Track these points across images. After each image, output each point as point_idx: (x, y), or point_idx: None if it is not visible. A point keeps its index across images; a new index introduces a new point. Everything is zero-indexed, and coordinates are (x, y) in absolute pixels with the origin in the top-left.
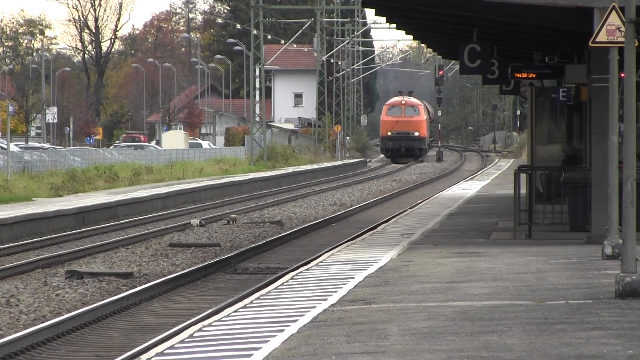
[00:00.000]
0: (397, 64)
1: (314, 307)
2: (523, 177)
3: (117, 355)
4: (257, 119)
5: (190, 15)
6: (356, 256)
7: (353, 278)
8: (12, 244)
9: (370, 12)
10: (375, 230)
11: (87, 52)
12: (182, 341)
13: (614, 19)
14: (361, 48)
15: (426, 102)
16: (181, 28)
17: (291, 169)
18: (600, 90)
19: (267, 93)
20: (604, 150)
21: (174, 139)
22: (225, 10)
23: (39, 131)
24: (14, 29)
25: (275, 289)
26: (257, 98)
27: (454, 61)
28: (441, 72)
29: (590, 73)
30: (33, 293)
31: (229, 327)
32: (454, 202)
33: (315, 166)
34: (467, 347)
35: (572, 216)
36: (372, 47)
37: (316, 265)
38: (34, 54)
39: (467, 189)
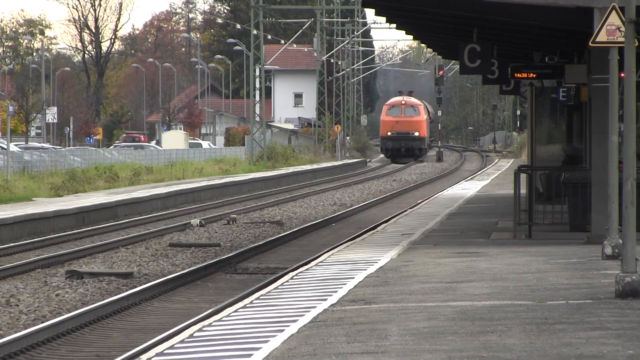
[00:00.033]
0: (397, 64)
1: (314, 307)
2: (523, 177)
3: (117, 355)
4: (257, 119)
5: (190, 15)
6: (356, 256)
7: (353, 278)
8: (12, 244)
9: (370, 12)
10: (375, 230)
11: (87, 52)
12: (182, 341)
13: (614, 19)
14: (361, 48)
15: (426, 102)
16: (181, 28)
17: (291, 169)
18: (600, 90)
19: (267, 93)
20: (604, 150)
21: (174, 139)
22: (225, 10)
23: (39, 131)
24: (14, 29)
25: (275, 289)
26: (257, 98)
27: (453, 61)
28: (441, 72)
29: (590, 73)
30: (33, 293)
31: (229, 327)
32: (454, 202)
33: (315, 166)
34: (467, 347)
35: (572, 216)
36: (372, 47)
37: (316, 265)
38: (34, 54)
39: (467, 189)
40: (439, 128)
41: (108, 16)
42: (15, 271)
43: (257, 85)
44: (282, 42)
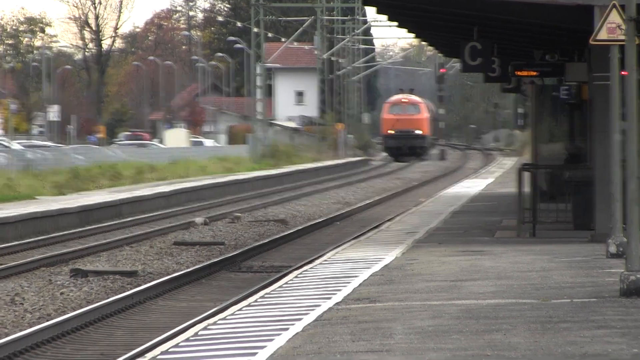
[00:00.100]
0: (397, 62)
1: (319, 305)
2: (526, 175)
3: (121, 354)
4: (259, 117)
5: (191, 13)
6: (361, 254)
7: (358, 276)
8: (16, 243)
9: (370, 10)
10: (380, 228)
11: (87, 50)
12: (187, 339)
13: (614, 17)
14: (362, 46)
15: (427, 100)
16: (182, 26)
17: (294, 168)
18: (601, 89)
19: (269, 91)
20: (606, 148)
21: (176, 137)
22: (226, 8)
23: (42, 129)
24: (14, 27)
25: (279, 287)
26: (259, 96)
27: (453, 59)
28: (443, 69)
29: (591, 71)
30: (38, 291)
31: (234, 325)
32: (457, 201)
33: (318, 164)
34: (472, 346)
35: (576, 215)
36: (373, 45)
37: (320, 263)
38: (35, 52)
39: (470, 187)
40: (441, 126)
41: (108, 14)
42: (19, 269)
43: (258, 83)
44: (283, 40)
